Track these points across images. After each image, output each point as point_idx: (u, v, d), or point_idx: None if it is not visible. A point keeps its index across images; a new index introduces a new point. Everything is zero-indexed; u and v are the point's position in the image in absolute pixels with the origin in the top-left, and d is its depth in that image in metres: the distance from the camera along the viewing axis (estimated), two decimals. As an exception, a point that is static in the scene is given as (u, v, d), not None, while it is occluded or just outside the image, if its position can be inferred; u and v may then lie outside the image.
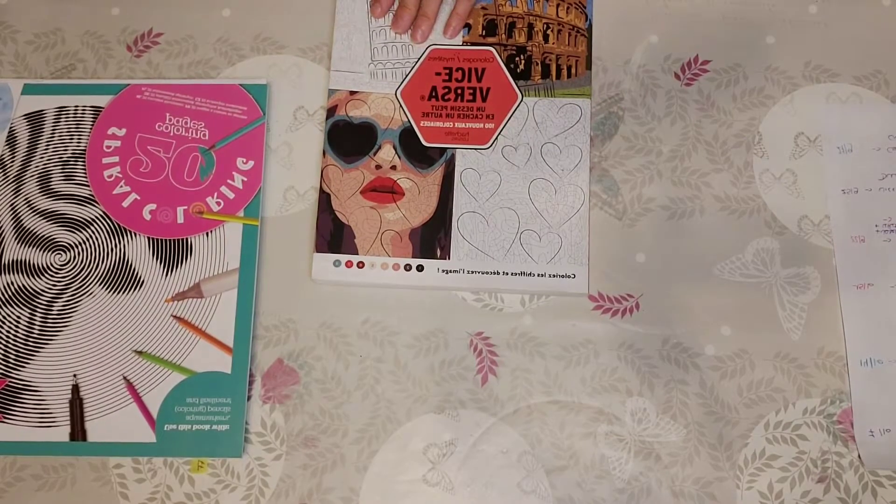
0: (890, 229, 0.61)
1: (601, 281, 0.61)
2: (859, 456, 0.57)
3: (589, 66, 0.64)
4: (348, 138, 0.63)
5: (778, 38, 0.66)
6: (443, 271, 0.60)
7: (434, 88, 0.64)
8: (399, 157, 0.62)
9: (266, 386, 0.59)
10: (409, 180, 0.62)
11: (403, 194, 0.61)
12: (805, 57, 0.66)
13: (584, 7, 0.66)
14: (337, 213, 0.61)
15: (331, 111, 0.64)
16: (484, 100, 0.63)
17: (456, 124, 0.63)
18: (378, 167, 0.62)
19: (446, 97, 0.63)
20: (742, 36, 0.66)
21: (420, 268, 0.60)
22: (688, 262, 0.61)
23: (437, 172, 0.62)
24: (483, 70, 0.64)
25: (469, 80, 0.64)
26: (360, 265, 0.60)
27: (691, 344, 0.59)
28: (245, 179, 0.62)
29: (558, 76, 0.64)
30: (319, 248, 0.61)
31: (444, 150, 0.62)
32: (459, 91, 0.64)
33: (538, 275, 0.60)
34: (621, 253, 0.61)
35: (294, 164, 0.64)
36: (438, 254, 0.60)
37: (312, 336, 0.60)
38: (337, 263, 0.60)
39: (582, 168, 0.62)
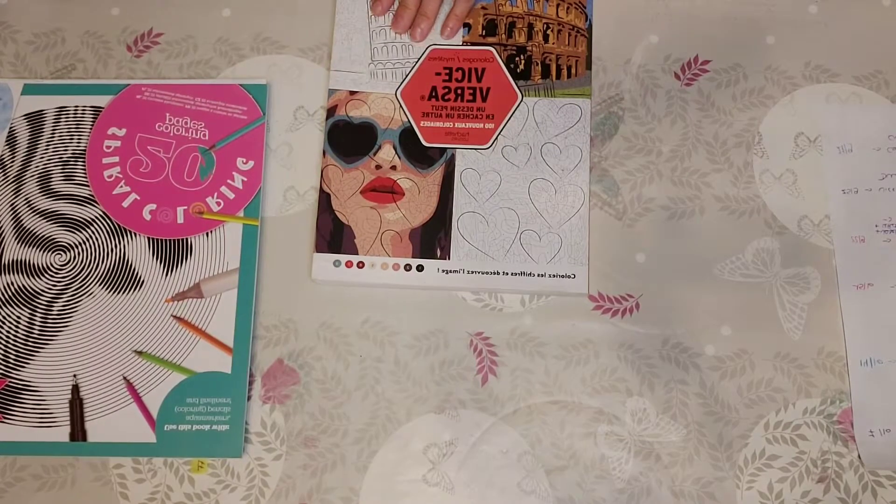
0: (890, 229, 0.61)
1: (601, 281, 0.61)
2: (859, 456, 0.57)
3: (589, 66, 0.64)
4: (348, 138, 0.63)
5: (778, 38, 0.66)
6: (443, 271, 0.60)
7: (434, 88, 0.64)
8: (399, 157, 0.62)
9: (266, 386, 0.59)
10: (409, 180, 0.62)
11: (403, 194, 0.61)
12: (805, 57, 0.66)
13: (584, 7, 0.66)
14: (337, 213, 0.61)
15: (331, 111, 0.64)
16: (484, 100, 0.63)
17: (456, 124, 0.63)
18: (378, 167, 0.62)
19: (446, 97, 0.63)
20: (742, 36, 0.66)
21: (420, 268, 0.60)
22: (688, 262, 0.61)
23: (437, 172, 0.62)
24: (483, 70, 0.64)
25: (469, 80, 0.64)
26: (360, 265, 0.60)
27: (691, 344, 0.59)
28: (245, 179, 0.62)
29: (558, 76, 0.64)
30: (319, 248, 0.61)
31: (444, 150, 0.62)
32: (459, 91, 0.64)
33: (538, 275, 0.60)
34: (621, 253, 0.61)
35: (294, 164, 0.64)
36: (438, 254, 0.60)
37: (312, 336, 0.60)
38: (337, 263, 0.60)
39: (582, 168, 0.62)
